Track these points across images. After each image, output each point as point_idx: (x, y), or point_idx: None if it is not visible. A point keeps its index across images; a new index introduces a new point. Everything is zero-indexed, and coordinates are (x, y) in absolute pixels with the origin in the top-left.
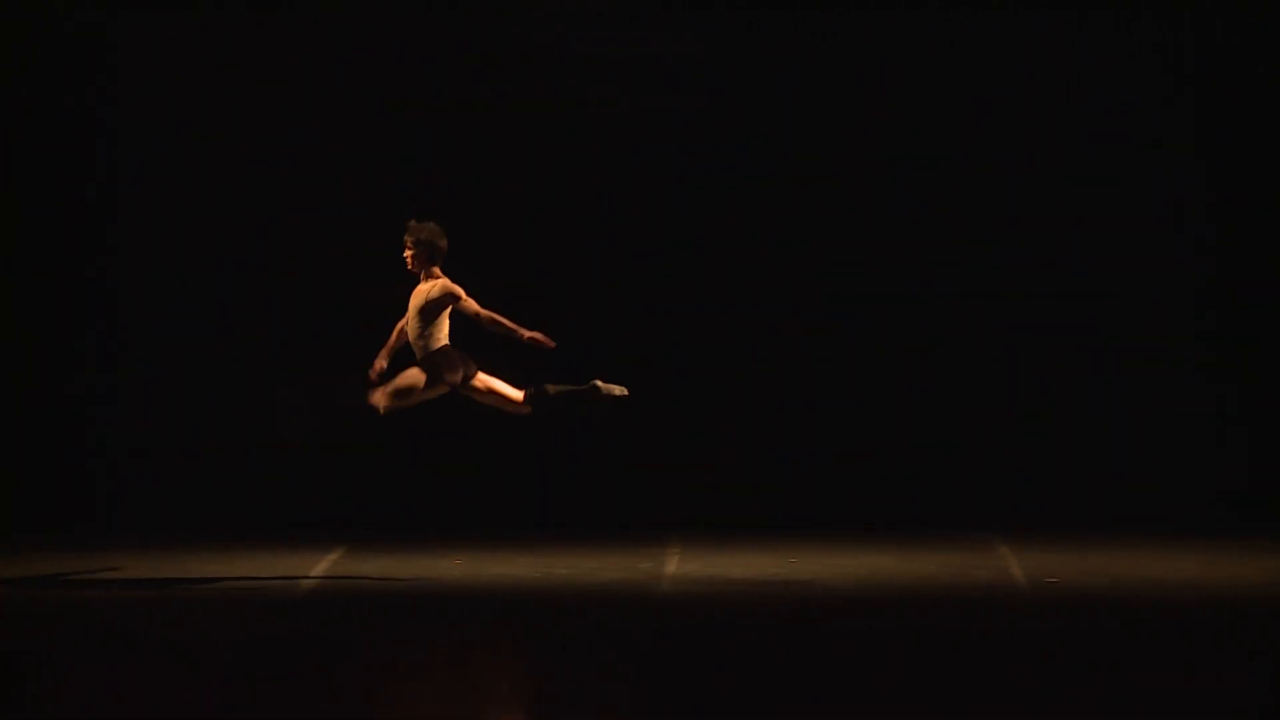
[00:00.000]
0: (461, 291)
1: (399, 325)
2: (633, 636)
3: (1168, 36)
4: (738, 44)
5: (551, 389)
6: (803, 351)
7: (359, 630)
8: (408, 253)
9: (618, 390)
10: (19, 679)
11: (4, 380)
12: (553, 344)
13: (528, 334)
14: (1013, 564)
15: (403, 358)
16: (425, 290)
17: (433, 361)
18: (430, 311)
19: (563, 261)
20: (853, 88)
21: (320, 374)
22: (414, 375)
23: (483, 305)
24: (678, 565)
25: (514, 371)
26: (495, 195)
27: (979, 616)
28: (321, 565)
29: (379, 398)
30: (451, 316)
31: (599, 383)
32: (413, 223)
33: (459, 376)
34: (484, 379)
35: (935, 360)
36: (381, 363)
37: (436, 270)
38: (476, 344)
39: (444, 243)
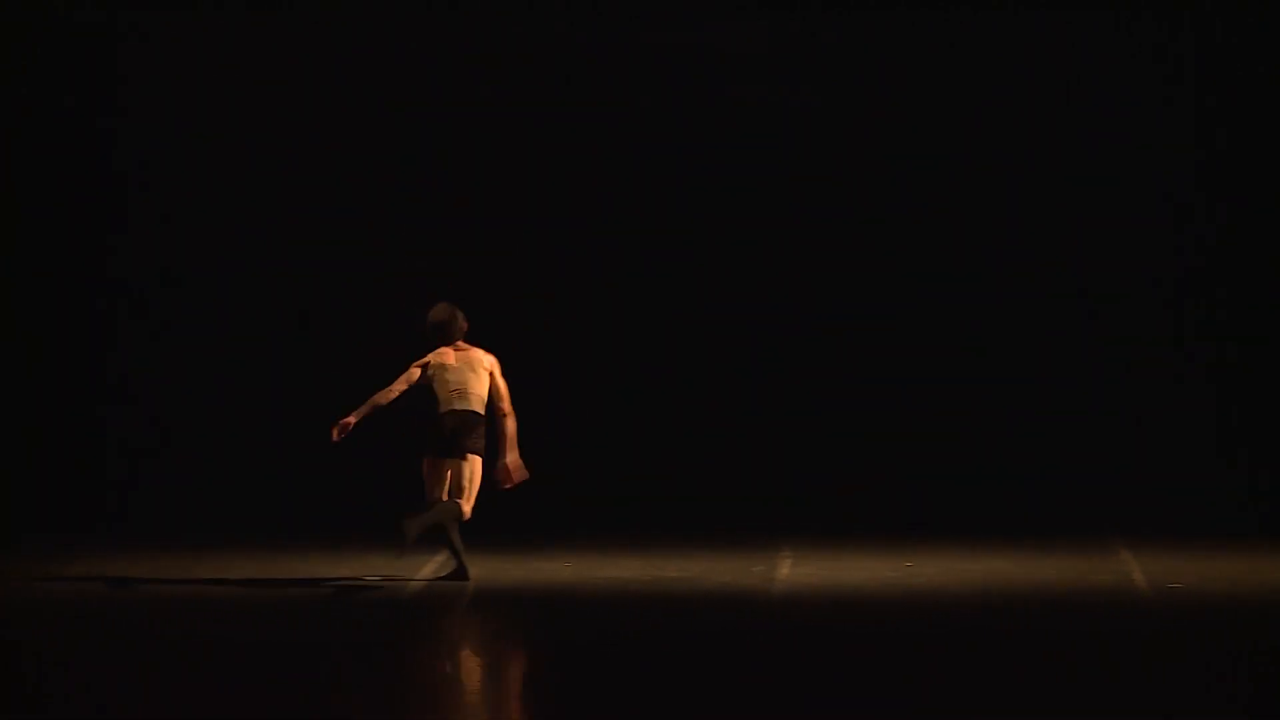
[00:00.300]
0: None
1: (392, 391)
2: (744, 640)
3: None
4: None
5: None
6: (920, 355)
7: (462, 632)
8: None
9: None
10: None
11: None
12: None
13: None
14: (1134, 568)
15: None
16: (483, 359)
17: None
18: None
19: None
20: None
21: None
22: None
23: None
24: (790, 569)
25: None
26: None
27: (1098, 620)
28: (428, 567)
29: (468, 510)
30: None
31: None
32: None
33: None
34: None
35: (1054, 365)
36: (352, 420)
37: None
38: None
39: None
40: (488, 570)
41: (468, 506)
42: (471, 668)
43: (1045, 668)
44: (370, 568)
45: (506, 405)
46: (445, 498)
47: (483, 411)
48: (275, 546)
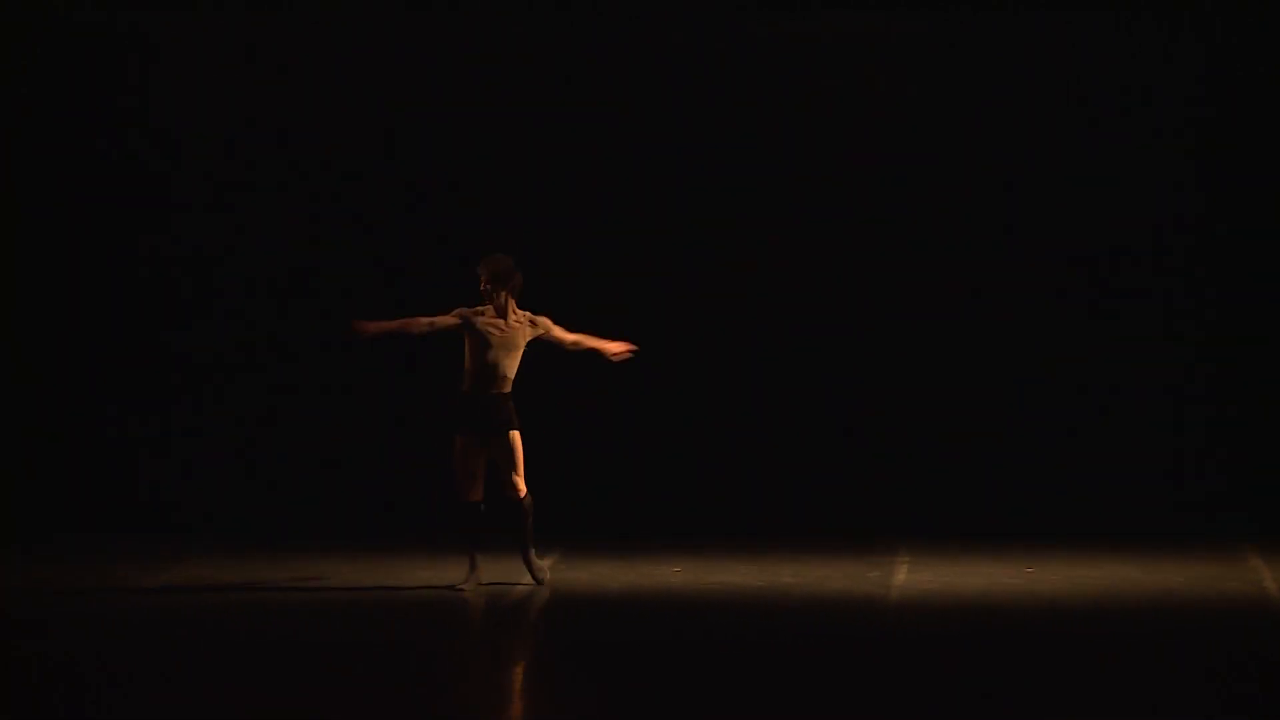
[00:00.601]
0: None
1: (425, 324)
2: (860, 647)
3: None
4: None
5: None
6: (1044, 352)
7: (571, 638)
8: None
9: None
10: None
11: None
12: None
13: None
14: (1265, 575)
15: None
16: (525, 323)
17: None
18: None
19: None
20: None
21: None
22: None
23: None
24: (907, 574)
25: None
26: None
27: (1225, 629)
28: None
29: (524, 488)
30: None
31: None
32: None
33: None
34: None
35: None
36: (375, 328)
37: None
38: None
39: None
40: (595, 574)
41: (523, 485)
42: (582, 671)
43: (1171, 678)
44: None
45: (573, 337)
46: (480, 494)
47: (510, 390)
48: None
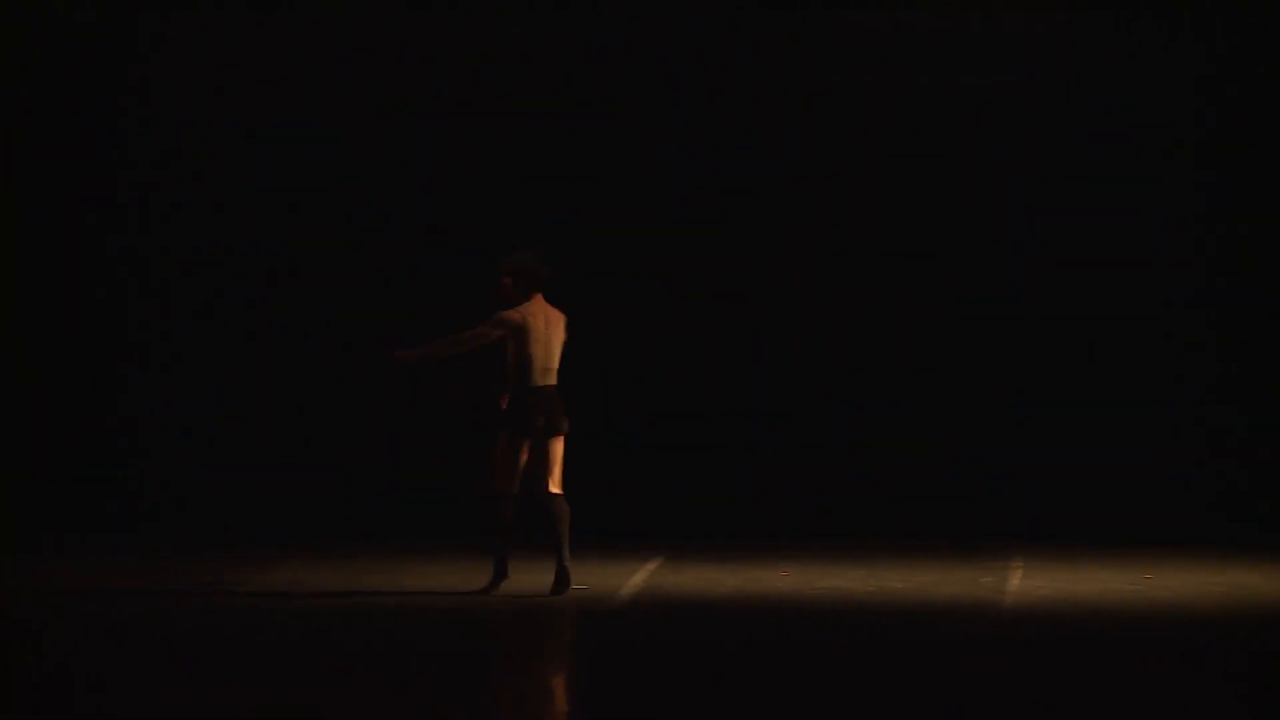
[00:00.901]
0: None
1: (468, 338)
2: (974, 654)
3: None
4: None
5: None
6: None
7: (673, 643)
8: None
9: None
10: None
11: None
12: None
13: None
14: None
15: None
16: (562, 320)
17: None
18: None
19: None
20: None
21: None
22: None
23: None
24: (1021, 580)
25: None
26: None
27: None
28: (639, 575)
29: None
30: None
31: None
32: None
33: None
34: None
35: None
36: (415, 354)
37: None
38: None
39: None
40: (702, 580)
41: (558, 488)
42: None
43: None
44: (580, 575)
45: None
46: (516, 486)
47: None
48: (588, 554)
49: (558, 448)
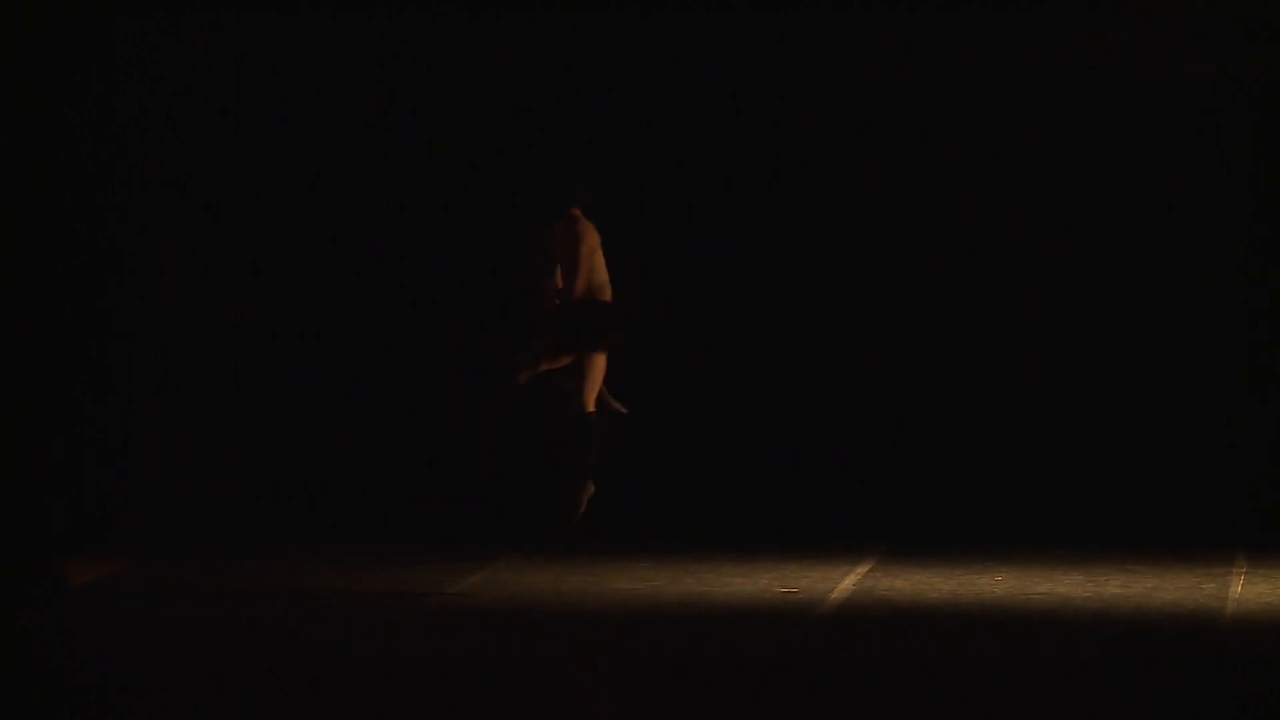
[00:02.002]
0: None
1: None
2: (1194, 666)
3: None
4: None
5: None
6: None
7: (884, 650)
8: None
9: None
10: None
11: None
12: None
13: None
14: None
15: None
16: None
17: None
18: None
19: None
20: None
21: None
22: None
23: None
24: (1244, 586)
25: None
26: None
27: None
28: (849, 579)
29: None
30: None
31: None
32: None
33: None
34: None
35: None
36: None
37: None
38: None
39: None
40: (914, 584)
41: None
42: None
43: None
44: (783, 578)
45: None
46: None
47: None
48: (795, 556)
49: (601, 363)
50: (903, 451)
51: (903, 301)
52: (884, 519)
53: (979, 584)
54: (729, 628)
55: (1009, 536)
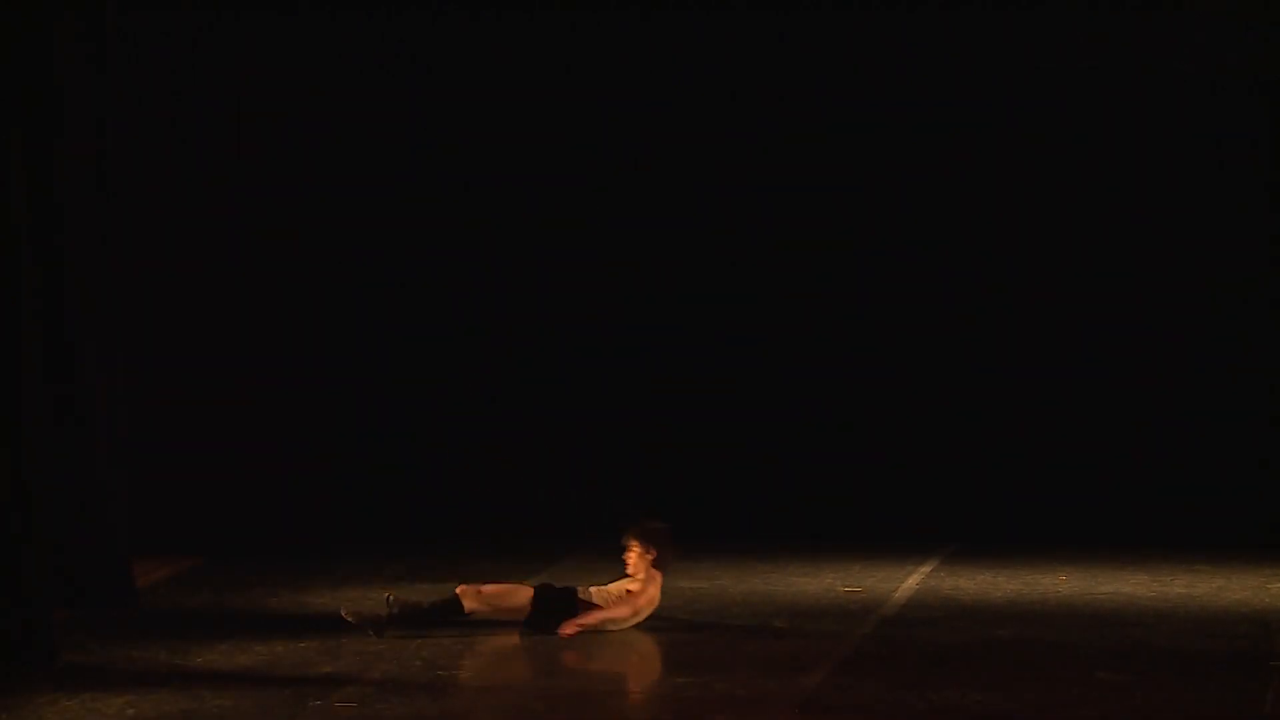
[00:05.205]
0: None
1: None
2: (1249, 667)
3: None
4: None
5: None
6: None
7: (949, 648)
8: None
9: None
10: None
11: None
12: None
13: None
14: None
15: None
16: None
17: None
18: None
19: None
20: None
21: None
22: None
23: None
24: None
25: None
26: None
27: None
28: (914, 578)
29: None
30: None
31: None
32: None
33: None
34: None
35: None
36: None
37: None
38: None
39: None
40: (980, 582)
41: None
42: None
43: None
44: (848, 577)
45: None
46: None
47: None
48: (861, 555)
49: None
50: (968, 453)
51: (973, 306)
52: (949, 520)
53: (1043, 584)
54: (793, 625)
55: (1074, 537)
